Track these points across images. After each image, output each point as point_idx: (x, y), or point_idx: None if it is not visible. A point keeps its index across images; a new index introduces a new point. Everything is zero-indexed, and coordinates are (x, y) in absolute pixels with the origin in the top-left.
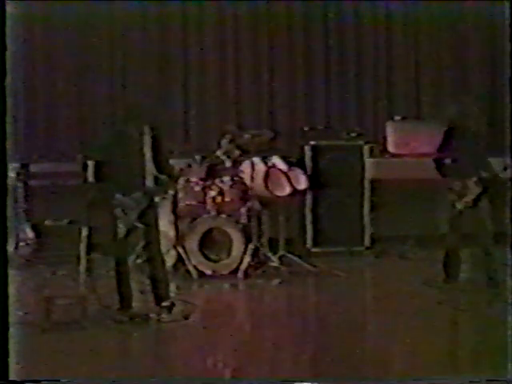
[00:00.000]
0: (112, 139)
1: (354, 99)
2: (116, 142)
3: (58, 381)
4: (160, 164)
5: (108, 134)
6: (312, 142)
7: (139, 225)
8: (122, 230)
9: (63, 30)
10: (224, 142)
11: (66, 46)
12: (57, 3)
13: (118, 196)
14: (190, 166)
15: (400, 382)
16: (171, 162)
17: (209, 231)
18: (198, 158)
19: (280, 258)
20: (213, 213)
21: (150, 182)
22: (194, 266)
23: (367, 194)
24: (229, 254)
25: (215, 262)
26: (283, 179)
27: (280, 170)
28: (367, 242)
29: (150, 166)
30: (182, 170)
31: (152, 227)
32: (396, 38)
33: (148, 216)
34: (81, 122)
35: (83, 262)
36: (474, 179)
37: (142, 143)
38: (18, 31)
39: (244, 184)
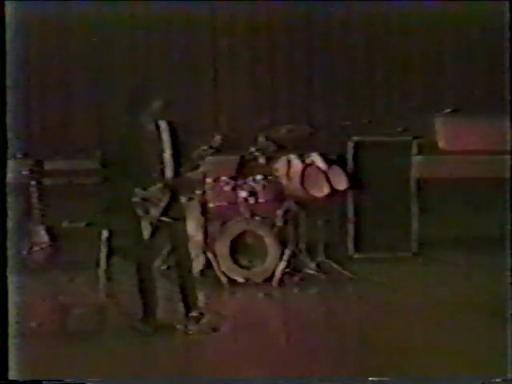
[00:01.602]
0: (128, 131)
1: (400, 90)
2: (133, 134)
3: (60, 381)
4: (181, 159)
5: (124, 125)
6: (354, 138)
7: (166, 219)
8: (145, 231)
9: (79, 22)
10: (260, 137)
11: (82, 38)
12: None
13: (138, 190)
14: (218, 162)
15: (400, 381)
16: (197, 158)
17: (241, 235)
18: (227, 153)
19: (318, 265)
20: (245, 215)
21: (169, 174)
22: (225, 273)
23: (415, 194)
24: (262, 260)
25: (247, 268)
26: (322, 178)
27: (319, 168)
28: (414, 247)
29: (168, 158)
30: (208, 167)
31: (179, 226)
32: (444, 23)
33: (173, 211)
34: (99, 115)
35: (103, 267)
36: None
37: (160, 136)
38: (31, 22)
39: (279, 183)
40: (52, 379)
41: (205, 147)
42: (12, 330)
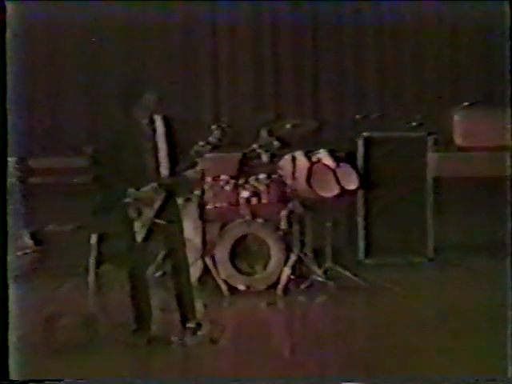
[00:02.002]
0: (121, 127)
1: (413, 83)
2: (125, 130)
3: (60, 380)
4: (177, 157)
5: (116, 120)
6: (364, 134)
7: (160, 221)
8: (139, 234)
9: (68, 17)
10: (263, 133)
11: (72, 34)
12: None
13: (131, 191)
14: (218, 160)
15: (400, 382)
16: (195, 155)
17: (242, 239)
18: (221, 139)
19: (326, 272)
20: (247, 217)
21: (165, 172)
22: (225, 281)
23: (430, 194)
24: (266, 266)
25: (249, 275)
26: (330, 177)
27: (326, 166)
28: (430, 251)
29: (163, 156)
30: (208, 165)
31: (175, 229)
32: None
33: (168, 212)
34: (89, 109)
35: (92, 274)
36: None
37: (154, 132)
38: (18, 21)
39: (284, 183)
40: (52, 379)
41: (202, 143)
42: None
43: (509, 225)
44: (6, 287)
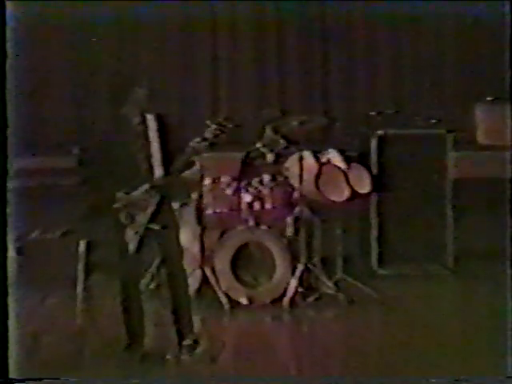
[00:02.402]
0: (112, 126)
1: (431, 76)
2: (117, 130)
3: (58, 379)
4: (172, 156)
5: (107, 118)
6: (378, 132)
7: (154, 227)
8: (131, 241)
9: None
10: (267, 130)
11: (64, 31)
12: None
13: (122, 194)
14: (218, 160)
15: (401, 382)
16: (190, 153)
17: (244, 247)
18: (217, 135)
19: (336, 283)
20: (249, 223)
21: (159, 173)
22: (225, 293)
23: (450, 198)
24: (270, 278)
25: (252, 287)
26: (341, 180)
27: (337, 167)
28: (450, 261)
29: (157, 155)
30: (206, 165)
31: (170, 236)
32: None
33: (163, 217)
34: (76, 105)
35: (81, 285)
36: None
37: (147, 130)
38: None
39: (290, 185)
40: (52, 378)
41: (198, 139)
42: None
43: None
44: (6, 286)
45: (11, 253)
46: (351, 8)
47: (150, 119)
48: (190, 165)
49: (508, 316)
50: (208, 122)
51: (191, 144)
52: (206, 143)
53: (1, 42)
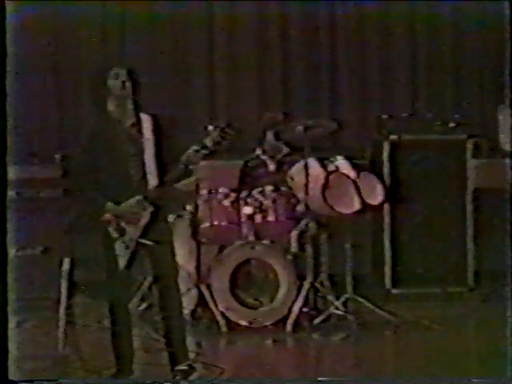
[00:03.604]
0: (99, 129)
1: (450, 76)
2: (105, 134)
3: (56, 380)
4: (168, 164)
5: (94, 122)
6: (391, 137)
7: (148, 242)
8: (120, 258)
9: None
10: (269, 136)
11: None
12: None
13: (110, 205)
14: (215, 168)
15: (400, 382)
16: (188, 162)
17: (244, 264)
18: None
19: (346, 303)
20: (250, 238)
21: (153, 183)
22: (223, 314)
23: (471, 210)
24: (273, 297)
25: (253, 308)
26: (350, 190)
27: (345, 176)
28: (470, 280)
29: (151, 165)
30: (203, 174)
31: (165, 251)
32: None
33: (156, 231)
34: (61, 111)
35: (63, 307)
36: None
37: (140, 135)
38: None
39: (294, 196)
40: (50, 379)
41: (197, 147)
42: None
43: None
44: (5, 286)
45: None
46: (363, 7)
47: (146, 123)
48: (187, 174)
49: None
50: (210, 128)
51: (189, 153)
52: (207, 151)
53: (1, 42)
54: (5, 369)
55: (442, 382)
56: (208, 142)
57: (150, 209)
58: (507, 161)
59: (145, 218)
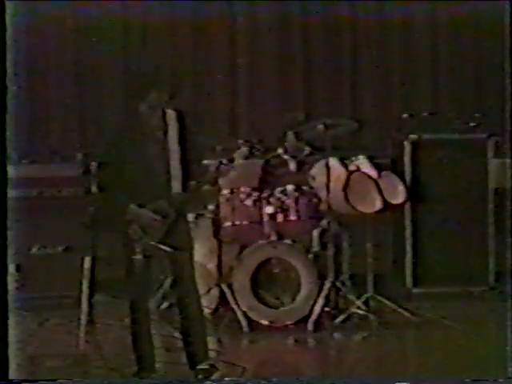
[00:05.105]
0: (121, 127)
1: (470, 75)
2: (132, 134)
3: (56, 380)
4: (191, 165)
5: (115, 119)
6: (412, 136)
7: (166, 248)
8: (140, 259)
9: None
10: (290, 136)
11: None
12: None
13: (133, 208)
14: (237, 168)
15: (400, 382)
16: (209, 162)
17: (266, 263)
18: (248, 157)
19: (367, 303)
20: (272, 237)
21: (176, 188)
22: (245, 313)
23: (492, 210)
24: (294, 297)
25: (274, 307)
26: (371, 189)
27: (367, 175)
28: (492, 279)
29: (176, 167)
30: (225, 174)
31: (184, 254)
32: None
33: (178, 236)
34: (82, 109)
35: (85, 306)
36: None
37: (165, 135)
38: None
39: (316, 196)
40: (50, 379)
41: (225, 161)
42: None
43: None
44: (5, 285)
45: (9, 269)
46: (384, 7)
47: (171, 121)
48: (213, 182)
49: None
50: (240, 143)
51: (215, 164)
52: (233, 165)
53: (1, 42)
54: (5, 369)
55: (463, 382)
56: (237, 156)
57: (173, 214)
58: None
59: (166, 222)
